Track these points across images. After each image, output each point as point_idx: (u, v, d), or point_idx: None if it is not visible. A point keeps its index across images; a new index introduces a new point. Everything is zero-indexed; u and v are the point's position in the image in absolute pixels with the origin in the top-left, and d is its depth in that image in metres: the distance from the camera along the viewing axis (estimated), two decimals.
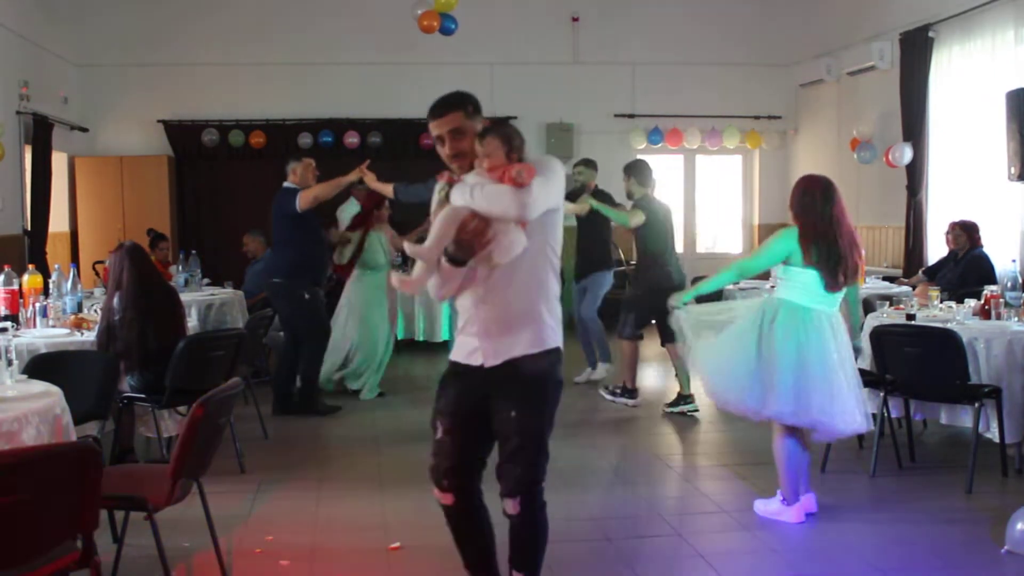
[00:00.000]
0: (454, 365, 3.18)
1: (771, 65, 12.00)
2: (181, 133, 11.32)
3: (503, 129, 3.01)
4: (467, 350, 3.12)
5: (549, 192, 2.96)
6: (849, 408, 4.29)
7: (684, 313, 4.64)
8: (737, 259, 12.31)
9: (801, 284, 4.35)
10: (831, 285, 4.31)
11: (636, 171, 7.21)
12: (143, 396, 5.08)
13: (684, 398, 6.88)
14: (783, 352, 4.27)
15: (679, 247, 12.29)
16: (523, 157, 3.01)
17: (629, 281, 8.42)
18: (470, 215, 2.90)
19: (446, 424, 3.12)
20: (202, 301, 7.13)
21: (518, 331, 3.03)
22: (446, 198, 2.98)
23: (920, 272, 8.34)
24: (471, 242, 2.90)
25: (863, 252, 4.54)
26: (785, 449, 4.47)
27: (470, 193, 2.91)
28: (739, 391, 4.38)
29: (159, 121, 11.30)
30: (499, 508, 3.14)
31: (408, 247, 3.04)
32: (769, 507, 4.58)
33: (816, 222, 4.36)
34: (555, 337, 3.11)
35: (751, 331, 4.38)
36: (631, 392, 7.19)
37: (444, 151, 3.09)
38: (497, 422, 3.07)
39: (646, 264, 7.05)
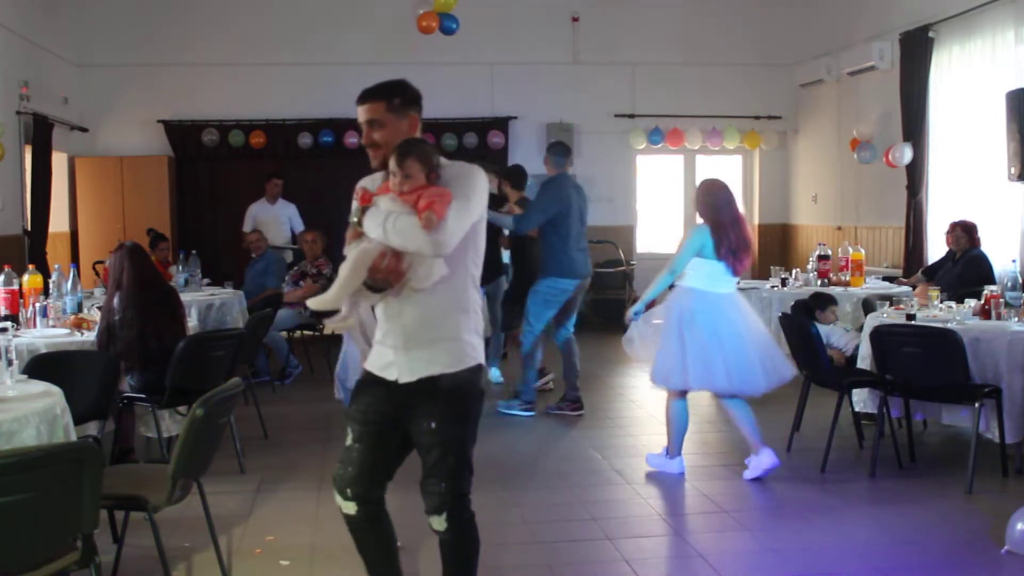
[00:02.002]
0: (369, 374, 3.04)
1: (771, 65, 12.00)
2: (181, 133, 11.32)
3: (421, 149, 2.86)
4: (382, 362, 2.99)
5: (468, 217, 2.82)
6: (759, 371, 5.11)
7: (639, 320, 5.40)
8: None
9: (708, 273, 5.12)
10: (737, 271, 5.14)
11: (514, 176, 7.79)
12: (143, 396, 5.08)
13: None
14: (707, 335, 5.04)
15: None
16: (440, 174, 2.87)
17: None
18: (381, 254, 2.79)
19: (356, 432, 3.01)
20: (202, 301, 7.13)
21: (434, 348, 2.92)
22: (359, 223, 2.85)
23: (919, 272, 8.34)
24: (386, 279, 2.82)
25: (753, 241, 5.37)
26: (675, 410, 5.33)
27: (382, 227, 2.77)
28: (680, 372, 5.12)
29: (159, 121, 11.30)
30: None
31: (312, 303, 2.92)
32: (658, 461, 5.44)
33: (724, 219, 5.14)
34: (474, 354, 2.97)
35: (676, 323, 5.12)
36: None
37: (363, 139, 3.02)
38: (415, 434, 2.95)
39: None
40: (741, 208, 5.36)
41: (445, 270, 2.84)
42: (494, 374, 8.13)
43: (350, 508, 3.05)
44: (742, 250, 5.12)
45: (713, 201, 5.20)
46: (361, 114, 2.97)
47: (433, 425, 2.91)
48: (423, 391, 2.92)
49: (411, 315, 2.91)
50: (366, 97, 2.97)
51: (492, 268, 7.98)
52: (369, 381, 3.04)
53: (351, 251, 2.87)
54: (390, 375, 2.97)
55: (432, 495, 2.94)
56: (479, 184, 2.92)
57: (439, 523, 2.95)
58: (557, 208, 6.67)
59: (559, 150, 6.95)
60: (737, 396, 5.25)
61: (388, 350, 2.97)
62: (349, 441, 3.03)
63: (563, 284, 6.80)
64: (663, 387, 5.41)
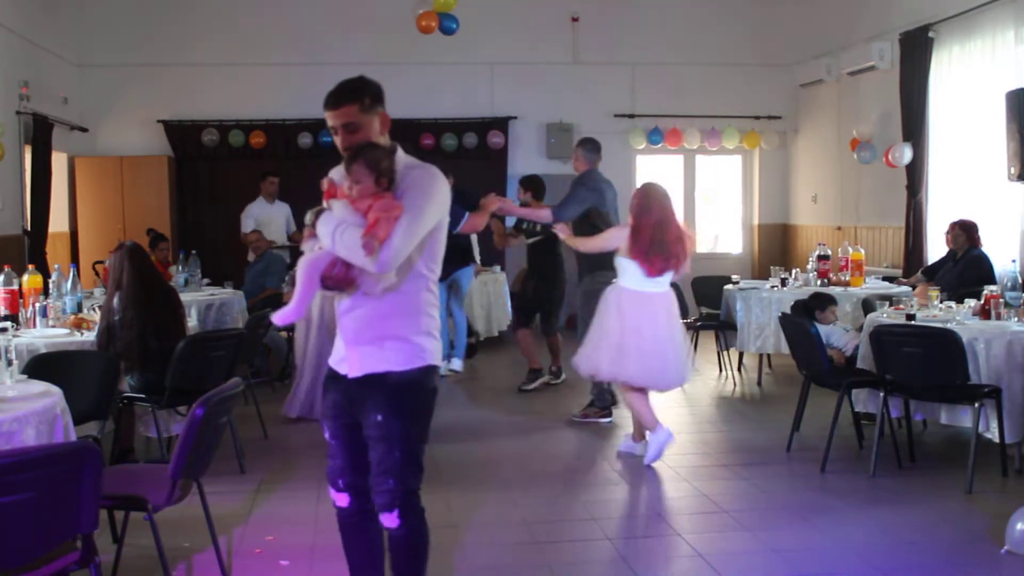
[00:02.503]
0: (330, 369, 3.09)
1: (771, 65, 12.00)
2: (181, 133, 11.32)
3: (369, 153, 2.84)
4: (338, 356, 3.04)
5: (417, 232, 2.81)
6: (673, 369, 5.52)
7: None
8: (738, 258, 12.45)
9: (630, 272, 5.47)
10: (649, 272, 5.40)
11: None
12: (143, 396, 5.08)
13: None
14: (631, 330, 5.41)
15: None
16: (393, 178, 2.86)
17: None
18: (331, 263, 2.82)
19: (331, 428, 3.07)
20: (202, 301, 7.13)
21: (382, 346, 2.92)
22: (312, 226, 2.88)
23: (919, 272, 8.34)
24: (338, 286, 2.85)
25: (688, 247, 5.53)
26: (635, 397, 5.60)
27: (331, 236, 2.79)
28: (608, 364, 5.51)
29: (159, 121, 11.30)
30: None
31: (276, 318, 2.95)
32: (650, 446, 5.59)
33: (645, 222, 5.41)
34: (425, 355, 2.96)
35: (608, 319, 5.54)
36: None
37: (337, 143, 2.95)
38: (365, 428, 2.96)
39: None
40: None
41: (393, 279, 2.87)
42: (455, 364, 8.32)
43: (343, 499, 3.09)
44: (655, 254, 5.38)
45: (643, 202, 5.47)
46: (333, 118, 2.92)
47: (379, 418, 2.92)
48: (371, 385, 2.94)
49: (361, 313, 2.93)
50: (338, 101, 2.92)
51: (458, 258, 8.05)
52: (331, 376, 3.08)
53: (306, 248, 2.94)
54: (342, 369, 3.01)
55: (382, 492, 2.94)
56: (435, 192, 2.89)
57: (390, 520, 2.96)
58: (593, 200, 6.63)
59: (590, 146, 6.90)
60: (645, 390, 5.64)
61: (342, 344, 3.01)
62: (328, 437, 3.09)
63: (609, 276, 6.75)
64: (582, 372, 5.80)
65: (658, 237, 5.38)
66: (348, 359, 2.98)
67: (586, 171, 6.81)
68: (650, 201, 5.45)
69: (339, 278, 2.84)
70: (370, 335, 2.93)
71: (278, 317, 2.94)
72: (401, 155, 2.96)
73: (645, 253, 5.38)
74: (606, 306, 5.61)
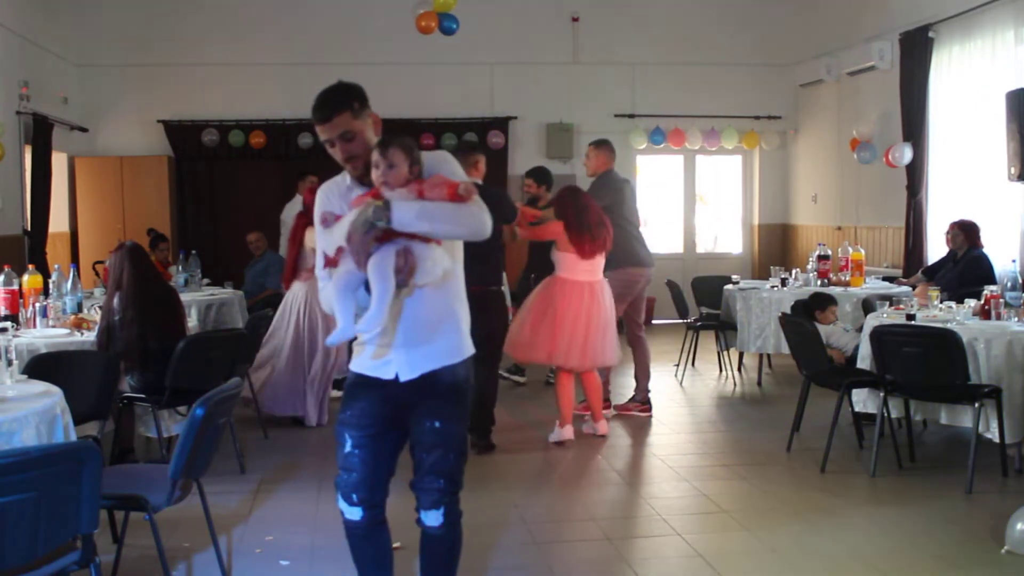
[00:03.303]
0: (360, 376, 2.96)
1: (771, 65, 12.00)
2: (181, 133, 11.32)
3: (403, 140, 2.84)
4: (377, 362, 2.91)
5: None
6: (608, 349, 6.07)
7: None
8: (738, 258, 12.45)
9: (565, 263, 6.00)
10: (582, 255, 5.94)
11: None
12: (143, 396, 5.08)
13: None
14: (563, 317, 5.93)
15: (679, 247, 12.40)
16: (421, 168, 2.85)
17: None
18: (397, 254, 2.72)
19: (355, 438, 2.95)
20: (202, 301, 7.13)
21: (434, 343, 2.90)
22: (388, 224, 2.67)
23: (919, 272, 8.34)
24: (406, 278, 2.75)
25: (609, 228, 6.10)
26: (565, 385, 6.04)
27: (418, 216, 2.68)
28: (542, 347, 5.97)
29: (159, 121, 11.30)
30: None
31: (363, 327, 2.73)
32: (560, 434, 6.08)
33: (570, 212, 5.97)
34: (470, 345, 3.00)
35: (550, 306, 5.98)
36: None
37: (336, 155, 2.88)
38: (417, 433, 2.92)
39: None
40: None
41: (448, 262, 2.83)
42: None
43: (355, 514, 2.99)
44: (584, 235, 5.94)
45: (561, 200, 6.09)
46: (328, 131, 2.84)
47: (437, 424, 2.89)
48: (424, 388, 2.89)
49: (413, 311, 2.86)
50: (330, 113, 2.83)
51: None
52: (361, 383, 2.96)
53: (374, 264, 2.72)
54: (387, 374, 2.91)
55: (430, 491, 2.92)
56: (457, 168, 2.93)
57: (435, 518, 2.93)
58: (612, 197, 6.66)
59: (608, 146, 6.97)
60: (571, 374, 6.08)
61: (383, 348, 2.89)
62: (348, 448, 2.96)
63: (633, 273, 6.77)
64: (514, 356, 6.33)
65: (584, 221, 5.94)
66: (396, 361, 2.89)
67: (605, 171, 6.87)
68: (565, 197, 6.08)
69: (411, 267, 2.74)
70: (423, 333, 2.88)
71: (365, 325, 2.71)
72: None
73: (577, 237, 5.93)
74: (547, 295, 6.03)
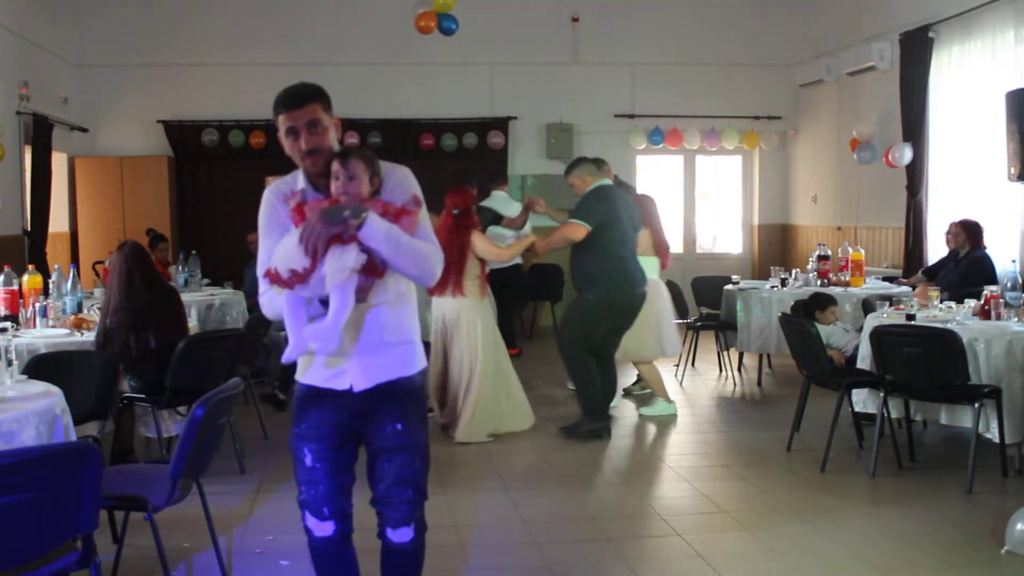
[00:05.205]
0: (312, 388, 2.86)
1: (771, 65, 12.00)
2: (181, 133, 11.32)
3: (365, 152, 2.76)
4: (328, 373, 2.82)
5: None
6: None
7: None
8: (738, 258, 12.45)
9: (650, 266, 6.69)
10: (664, 260, 7.13)
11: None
12: (143, 396, 5.08)
13: None
14: (661, 312, 7.11)
15: (679, 247, 12.40)
16: (381, 180, 2.78)
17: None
18: (361, 277, 2.66)
19: (316, 451, 2.84)
20: (202, 301, 7.12)
21: (388, 353, 2.83)
22: (356, 229, 2.60)
23: (920, 272, 8.34)
24: (364, 298, 2.70)
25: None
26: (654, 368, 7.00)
27: (385, 238, 2.63)
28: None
29: (159, 121, 11.30)
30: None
31: (313, 338, 2.68)
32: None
33: (657, 224, 7.01)
34: (422, 357, 2.95)
35: (652, 305, 6.73)
36: None
37: (299, 145, 2.75)
38: (378, 440, 2.83)
39: None
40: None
41: (403, 286, 2.84)
42: None
43: (327, 529, 2.89)
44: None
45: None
46: (296, 118, 2.73)
47: (400, 426, 2.82)
48: (380, 396, 2.82)
49: (368, 322, 2.78)
50: (301, 100, 2.74)
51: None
52: (313, 395, 2.86)
53: (333, 262, 2.63)
54: (341, 384, 2.81)
55: (398, 505, 2.84)
56: (417, 189, 2.85)
57: (405, 534, 2.86)
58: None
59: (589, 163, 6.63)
60: None
61: (337, 359, 2.80)
62: (309, 462, 2.86)
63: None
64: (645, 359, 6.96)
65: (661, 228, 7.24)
66: (350, 371, 2.80)
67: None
68: (650, 208, 7.00)
69: (366, 290, 2.71)
70: (376, 343, 2.80)
71: (314, 337, 2.67)
72: None
73: (661, 244, 7.17)
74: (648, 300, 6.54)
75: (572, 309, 6.47)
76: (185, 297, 6.11)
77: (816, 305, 6.49)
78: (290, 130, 2.75)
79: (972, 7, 8.39)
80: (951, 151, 8.97)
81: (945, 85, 8.96)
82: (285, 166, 2.89)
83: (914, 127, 9.15)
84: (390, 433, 2.82)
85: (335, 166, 2.72)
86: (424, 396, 2.98)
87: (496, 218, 8.41)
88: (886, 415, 5.43)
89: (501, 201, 9.13)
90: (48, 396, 3.43)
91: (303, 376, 2.89)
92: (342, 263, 2.61)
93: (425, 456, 2.90)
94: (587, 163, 6.46)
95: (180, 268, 7.98)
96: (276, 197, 2.86)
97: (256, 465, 5.57)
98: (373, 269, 2.67)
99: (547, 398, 7.47)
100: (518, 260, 9.46)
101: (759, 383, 8.04)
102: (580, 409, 6.38)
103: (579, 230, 6.05)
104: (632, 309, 6.27)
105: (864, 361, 5.70)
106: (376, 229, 2.62)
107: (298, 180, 2.86)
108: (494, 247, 6.36)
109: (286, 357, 2.75)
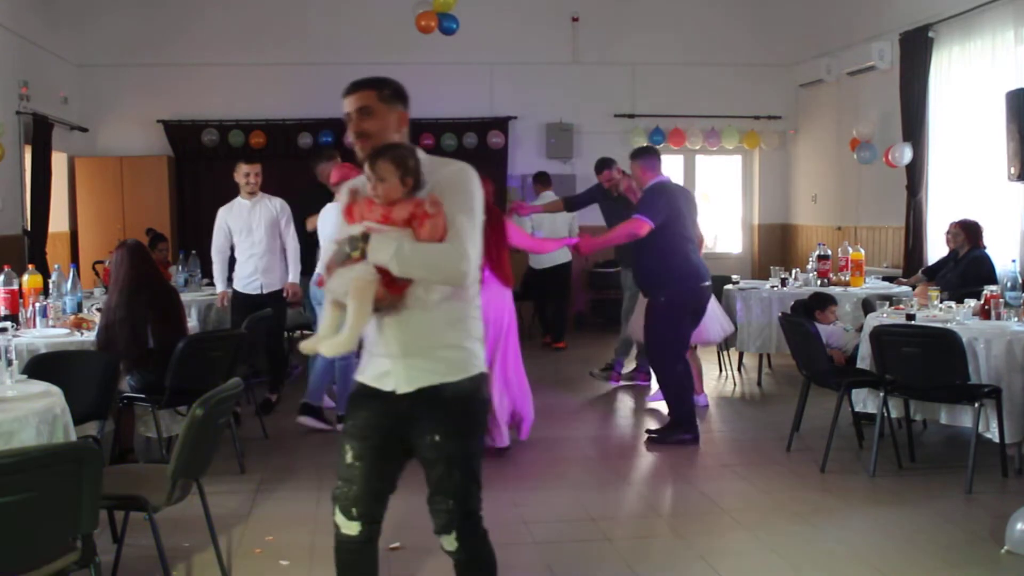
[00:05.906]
0: (363, 386, 2.84)
1: (771, 65, 12.00)
2: (181, 133, 11.32)
3: (395, 151, 2.69)
4: (377, 372, 2.79)
5: (479, 233, 2.66)
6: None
7: None
8: (738, 258, 12.44)
9: None
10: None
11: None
12: (143, 396, 5.08)
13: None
14: None
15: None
16: (419, 179, 2.69)
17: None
18: (381, 289, 2.59)
19: (356, 449, 2.81)
20: (202, 301, 7.13)
21: (433, 357, 2.74)
22: (361, 255, 2.59)
23: (920, 272, 8.34)
24: (392, 306, 2.65)
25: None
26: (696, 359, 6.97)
27: (392, 258, 2.57)
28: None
29: (159, 121, 11.30)
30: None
31: (327, 350, 2.67)
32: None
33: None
34: (477, 362, 2.79)
35: None
36: None
37: (350, 130, 2.82)
38: (420, 448, 2.77)
39: None
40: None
41: (448, 289, 2.71)
42: None
43: (352, 528, 2.85)
44: None
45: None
46: (350, 103, 2.81)
47: (437, 438, 2.74)
48: (424, 402, 2.73)
49: (409, 325, 2.71)
50: (357, 86, 2.84)
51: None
52: (364, 394, 2.85)
53: (341, 276, 2.64)
54: (386, 386, 2.78)
55: (440, 513, 2.79)
56: (477, 189, 2.75)
57: (449, 543, 2.79)
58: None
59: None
60: None
61: (383, 359, 2.77)
62: (349, 459, 2.83)
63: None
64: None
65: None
66: (394, 373, 2.75)
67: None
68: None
69: (391, 299, 2.63)
70: (421, 345, 2.73)
71: (330, 349, 2.67)
72: (423, 155, 2.79)
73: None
74: None
75: (648, 315, 6.17)
76: (185, 297, 6.11)
77: (816, 305, 6.49)
78: (347, 115, 2.84)
79: (972, 7, 8.38)
80: (951, 151, 8.96)
81: (945, 85, 8.96)
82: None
83: (914, 127, 9.15)
84: (428, 444, 2.76)
85: (367, 169, 2.71)
86: (480, 403, 2.85)
87: None
88: (886, 415, 5.44)
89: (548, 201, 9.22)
90: (48, 396, 3.43)
91: (360, 374, 2.88)
92: (344, 279, 2.62)
93: (467, 468, 2.79)
94: (656, 158, 6.23)
95: (180, 268, 7.98)
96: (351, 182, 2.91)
97: (256, 465, 5.57)
98: (392, 283, 2.63)
99: (553, 393, 7.48)
100: (568, 257, 9.59)
101: (759, 383, 8.04)
102: (670, 416, 6.17)
103: (644, 225, 5.90)
104: (704, 301, 6.30)
105: (864, 361, 5.70)
106: (381, 253, 2.58)
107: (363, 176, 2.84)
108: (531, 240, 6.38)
109: (325, 349, 2.72)
